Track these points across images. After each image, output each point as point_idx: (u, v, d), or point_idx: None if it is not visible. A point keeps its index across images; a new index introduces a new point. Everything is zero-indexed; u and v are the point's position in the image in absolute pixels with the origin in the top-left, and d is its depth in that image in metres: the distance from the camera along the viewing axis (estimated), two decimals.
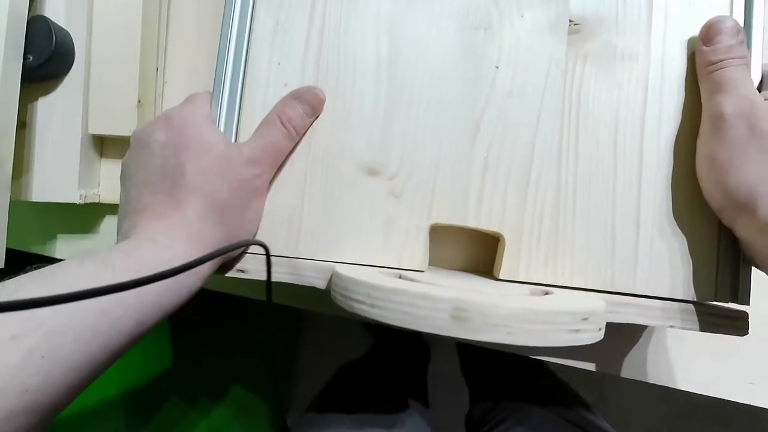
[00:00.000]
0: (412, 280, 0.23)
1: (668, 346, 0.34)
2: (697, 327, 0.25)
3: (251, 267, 0.25)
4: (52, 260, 0.23)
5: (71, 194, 0.31)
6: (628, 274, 0.26)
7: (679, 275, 0.26)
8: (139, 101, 0.32)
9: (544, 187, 0.27)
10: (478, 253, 0.29)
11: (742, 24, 0.26)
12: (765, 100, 0.24)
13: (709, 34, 0.26)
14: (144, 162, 0.24)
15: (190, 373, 0.48)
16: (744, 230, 0.24)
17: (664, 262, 0.26)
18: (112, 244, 0.22)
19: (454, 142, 0.27)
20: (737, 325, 0.25)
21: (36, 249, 0.36)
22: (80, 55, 0.32)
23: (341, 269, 0.23)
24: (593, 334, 0.20)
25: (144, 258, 0.21)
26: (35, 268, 0.19)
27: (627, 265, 0.26)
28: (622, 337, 0.34)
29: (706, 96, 0.25)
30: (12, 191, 0.29)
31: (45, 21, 0.31)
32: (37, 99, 0.31)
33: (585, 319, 0.19)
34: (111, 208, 0.35)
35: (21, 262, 0.22)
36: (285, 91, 0.27)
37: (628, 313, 0.25)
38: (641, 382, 0.34)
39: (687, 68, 0.27)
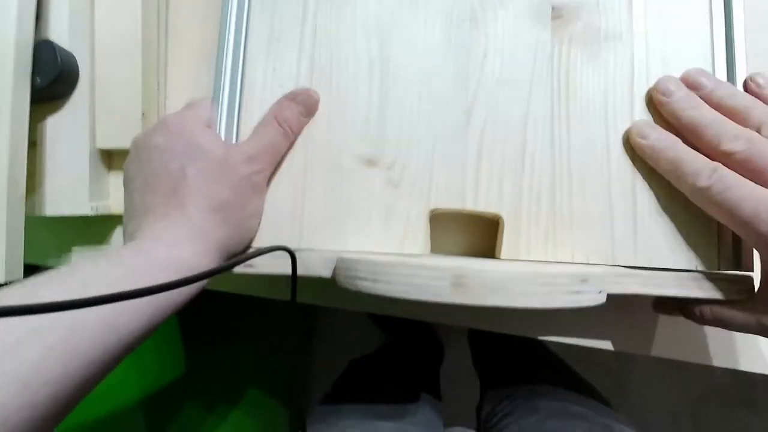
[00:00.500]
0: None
1: (680, 321, 0.34)
2: (701, 294, 0.25)
3: (258, 261, 0.26)
4: None
5: (83, 207, 0.33)
6: (628, 247, 0.26)
7: (680, 247, 0.26)
8: (143, 114, 0.34)
9: (540, 167, 0.27)
10: (480, 239, 0.30)
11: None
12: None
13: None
14: (144, 166, 0.25)
15: (206, 374, 0.49)
16: None
17: (664, 235, 0.26)
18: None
19: (448, 129, 0.28)
20: (742, 288, 0.25)
21: (52, 262, 0.37)
22: (84, 74, 0.33)
23: (345, 255, 0.24)
24: (594, 296, 0.20)
25: (152, 256, 0.22)
26: None
27: (626, 239, 0.27)
28: (634, 316, 0.34)
29: None
30: (26, 208, 0.30)
31: (50, 45, 0.32)
32: (45, 118, 0.33)
33: (584, 280, 0.19)
34: (122, 219, 0.36)
35: None
36: (281, 93, 0.28)
37: (631, 283, 0.25)
38: (658, 369, 0.34)
39: (670, 41, 0.28)
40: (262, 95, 0.28)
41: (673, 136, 0.26)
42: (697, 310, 0.27)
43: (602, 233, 0.27)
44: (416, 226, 0.27)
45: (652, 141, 0.26)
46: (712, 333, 0.34)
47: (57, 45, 0.32)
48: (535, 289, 0.18)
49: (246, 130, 0.28)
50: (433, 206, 0.27)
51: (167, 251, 0.22)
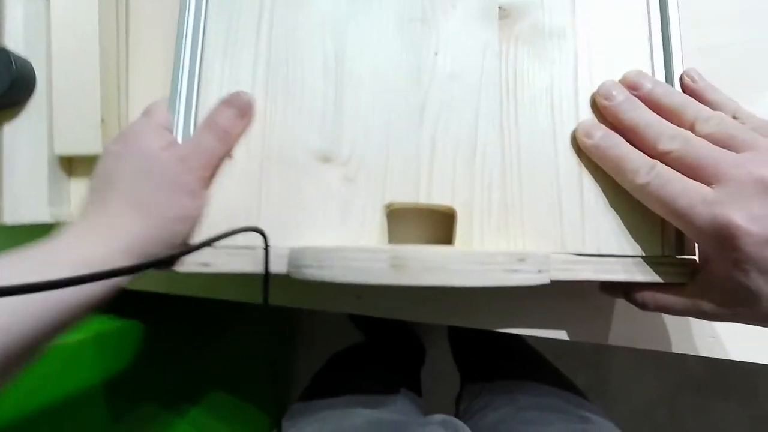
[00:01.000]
0: None
1: (636, 311, 0.35)
2: (646, 278, 0.26)
3: (215, 260, 0.26)
4: None
5: (42, 214, 0.32)
6: (576, 235, 0.27)
7: (626, 235, 0.27)
8: (102, 120, 0.34)
9: (491, 160, 0.28)
10: (436, 232, 0.30)
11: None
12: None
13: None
14: (98, 170, 0.26)
15: (174, 377, 0.48)
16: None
17: (610, 223, 0.27)
18: None
19: (402, 125, 0.28)
20: (684, 272, 0.27)
21: None
22: (41, 80, 0.33)
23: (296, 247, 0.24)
24: (532, 276, 0.21)
25: (53, 253, 0.22)
26: None
27: (575, 228, 0.27)
28: (590, 307, 0.35)
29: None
30: None
31: (5, 52, 0.32)
32: (2, 125, 0.32)
33: (521, 260, 0.20)
34: None
35: None
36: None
37: (581, 270, 0.26)
38: (636, 362, 0.35)
39: (611, 39, 0.29)
40: (219, 93, 0.29)
41: (617, 135, 0.27)
42: (639, 296, 0.28)
43: (552, 223, 0.27)
44: (372, 220, 0.27)
45: (596, 140, 0.27)
46: (670, 321, 0.35)
47: (12, 52, 0.32)
48: (472, 267, 0.19)
49: None
50: (388, 200, 0.27)
51: (69, 249, 0.22)
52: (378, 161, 0.28)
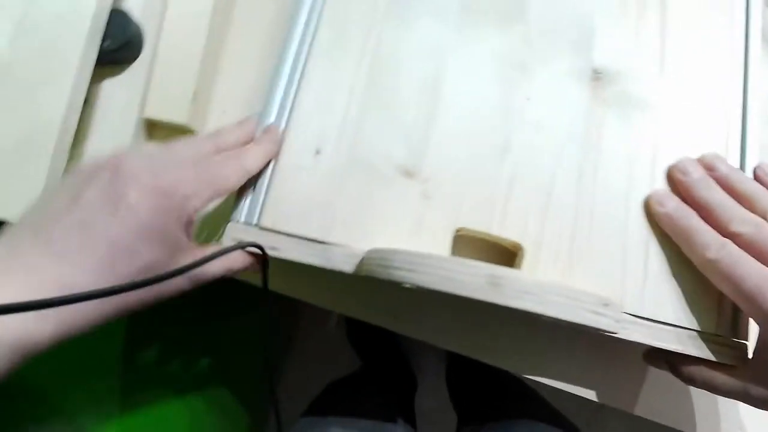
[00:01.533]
0: None
1: (668, 383, 0.35)
2: (699, 352, 0.27)
3: (283, 245, 0.27)
4: None
5: None
6: (635, 297, 0.28)
7: (683, 306, 0.28)
8: (194, 93, 0.35)
9: (564, 210, 0.29)
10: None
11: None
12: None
13: None
14: None
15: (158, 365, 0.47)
16: None
17: (670, 292, 0.28)
18: None
19: (483, 158, 0.29)
20: (736, 354, 0.27)
21: None
22: (149, 46, 0.35)
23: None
24: (612, 323, 0.21)
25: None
26: None
27: (635, 290, 0.28)
28: (623, 370, 0.35)
29: None
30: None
31: (123, 14, 0.34)
32: (103, 80, 0.34)
33: (606, 304, 0.20)
34: None
35: None
36: (336, 93, 0.30)
37: (634, 331, 0.27)
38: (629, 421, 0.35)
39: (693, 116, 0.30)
40: (317, 93, 0.30)
41: (689, 208, 0.28)
42: (686, 369, 0.28)
43: (614, 279, 0.28)
44: (443, 239, 0.28)
45: (669, 210, 0.28)
46: (698, 403, 0.35)
47: (129, 15, 0.34)
48: (564, 301, 0.19)
49: (296, 119, 0.30)
50: (460, 225, 0.28)
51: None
52: (456, 186, 0.29)
